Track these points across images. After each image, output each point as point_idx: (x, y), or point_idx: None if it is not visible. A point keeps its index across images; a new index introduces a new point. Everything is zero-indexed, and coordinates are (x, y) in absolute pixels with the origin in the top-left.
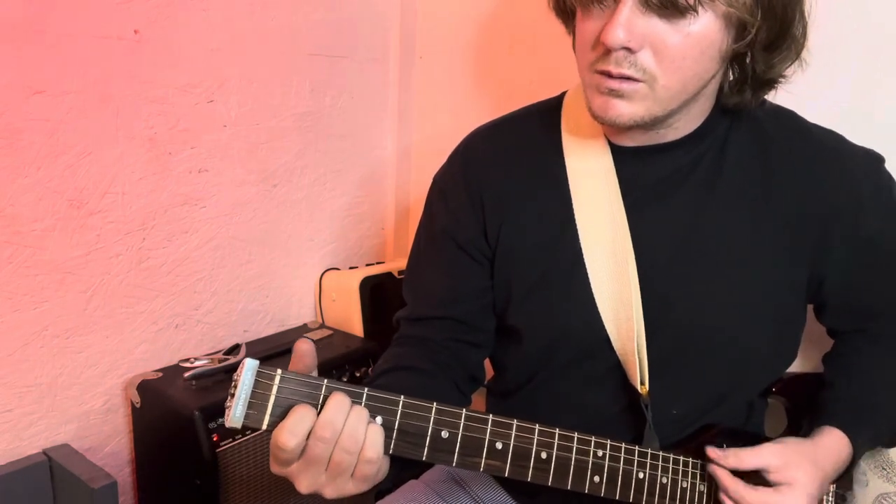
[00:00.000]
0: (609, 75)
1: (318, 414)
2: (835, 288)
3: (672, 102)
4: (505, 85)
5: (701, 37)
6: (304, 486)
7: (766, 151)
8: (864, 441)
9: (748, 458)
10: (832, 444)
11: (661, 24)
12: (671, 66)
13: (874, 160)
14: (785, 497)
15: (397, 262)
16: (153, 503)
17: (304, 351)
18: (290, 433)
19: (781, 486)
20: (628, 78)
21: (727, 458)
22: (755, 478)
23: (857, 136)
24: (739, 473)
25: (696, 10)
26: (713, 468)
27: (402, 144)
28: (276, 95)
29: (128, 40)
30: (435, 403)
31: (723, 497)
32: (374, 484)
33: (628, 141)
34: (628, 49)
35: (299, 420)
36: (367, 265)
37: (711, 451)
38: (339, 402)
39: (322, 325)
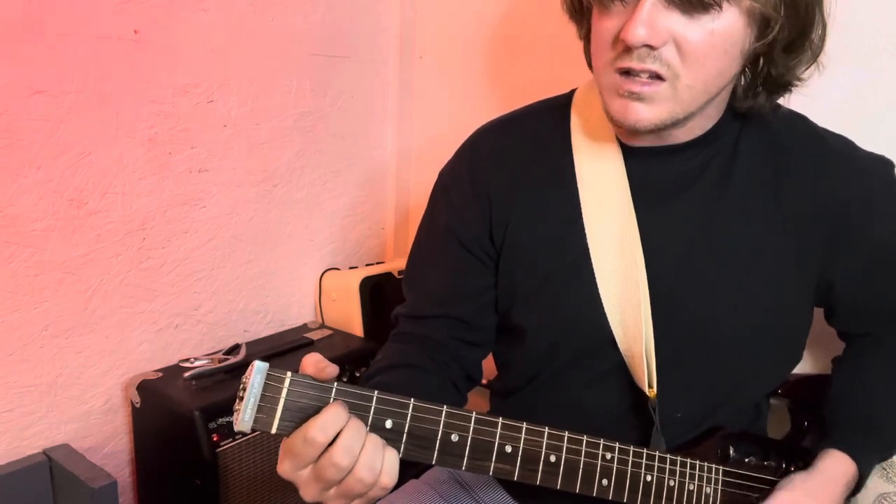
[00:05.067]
0: (631, 71)
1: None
2: (843, 291)
3: (693, 104)
4: (505, 85)
5: (725, 34)
6: (309, 495)
7: (777, 155)
8: (871, 462)
9: None
10: (840, 469)
11: (683, 20)
12: (694, 63)
13: (884, 165)
14: None
15: (397, 262)
16: (153, 503)
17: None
18: (320, 429)
19: None
20: (653, 74)
21: None
22: None
23: (867, 141)
24: None
25: (720, 6)
26: None
27: (402, 145)
28: (276, 95)
29: (128, 40)
30: (445, 407)
31: None
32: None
33: (639, 141)
34: (650, 46)
35: (334, 417)
36: (367, 265)
37: None
38: (356, 430)
39: (322, 325)
